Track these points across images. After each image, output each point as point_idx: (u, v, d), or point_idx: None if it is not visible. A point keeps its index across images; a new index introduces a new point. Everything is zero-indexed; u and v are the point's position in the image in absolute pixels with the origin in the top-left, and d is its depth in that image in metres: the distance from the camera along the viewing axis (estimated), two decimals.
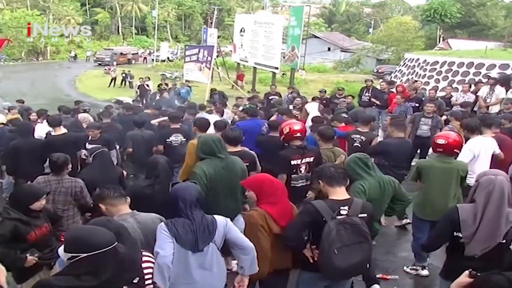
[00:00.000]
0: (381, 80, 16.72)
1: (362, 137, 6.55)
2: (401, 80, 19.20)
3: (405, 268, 5.42)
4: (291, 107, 10.16)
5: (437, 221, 4.72)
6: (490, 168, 5.62)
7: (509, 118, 7.70)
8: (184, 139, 6.72)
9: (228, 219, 3.21)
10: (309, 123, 8.02)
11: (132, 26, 65.52)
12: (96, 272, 2.27)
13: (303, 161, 5.12)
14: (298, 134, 5.23)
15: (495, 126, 6.37)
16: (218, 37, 34.41)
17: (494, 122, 6.45)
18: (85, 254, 2.26)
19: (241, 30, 24.29)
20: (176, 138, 6.81)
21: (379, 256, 5.68)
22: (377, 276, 5.14)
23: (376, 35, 44.43)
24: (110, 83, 28.70)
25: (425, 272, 5.25)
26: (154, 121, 8.14)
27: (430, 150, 6.12)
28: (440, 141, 4.94)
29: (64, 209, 4.62)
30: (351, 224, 3.24)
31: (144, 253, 2.80)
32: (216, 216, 3.17)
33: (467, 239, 3.20)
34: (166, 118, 7.89)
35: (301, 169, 5.12)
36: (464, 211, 3.21)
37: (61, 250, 2.36)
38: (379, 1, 74.02)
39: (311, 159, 5.18)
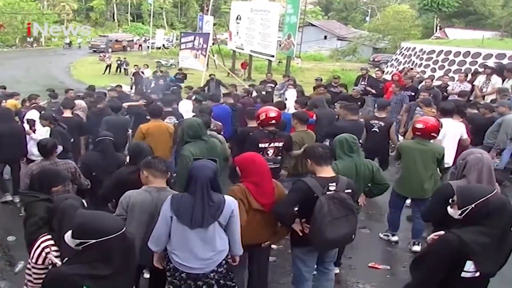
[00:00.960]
0: (376, 69, 16.66)
1: (381, 123, 6.84)
2: (397, 69, 19.13)
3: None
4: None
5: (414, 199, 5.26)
6: (457, 151, 6.06)
7: (490, 108, 7.75)
8: (177, 121, 7.10)
9: (236, 202, 3.36)
10: (292, 109, 8.08)
11: (127, 13, 64.95)
12: (107, 259, 2.22)
13: (272, 145, 5.42)
14: (273, 121, 5.47)
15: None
16: (214, 24, 34.20)
17: (463, 109, 6.99)
18: (94, 240, 2.20)
19: (237, 18, 24.16)
20: (169, 120, 7.22)
21: (373, 244, 5.71)
22: (369, 265, 5.19)
23: (373, 23, 44.32)
24: (105, 70, 28.54)
25: (395, 238, 5.78)
26: (125, 104, 8.53)
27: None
28: (419, 125, 5.30)
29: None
30: (339, 199, 3.55)
31: None
32: (226, 197, 3.29)
33: None
34: (138, 102, 8.72)
35: (268, 152, 5.41)
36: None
37: (68, 236, 2.29)
38: None
39: (281, 144, 5.49)
